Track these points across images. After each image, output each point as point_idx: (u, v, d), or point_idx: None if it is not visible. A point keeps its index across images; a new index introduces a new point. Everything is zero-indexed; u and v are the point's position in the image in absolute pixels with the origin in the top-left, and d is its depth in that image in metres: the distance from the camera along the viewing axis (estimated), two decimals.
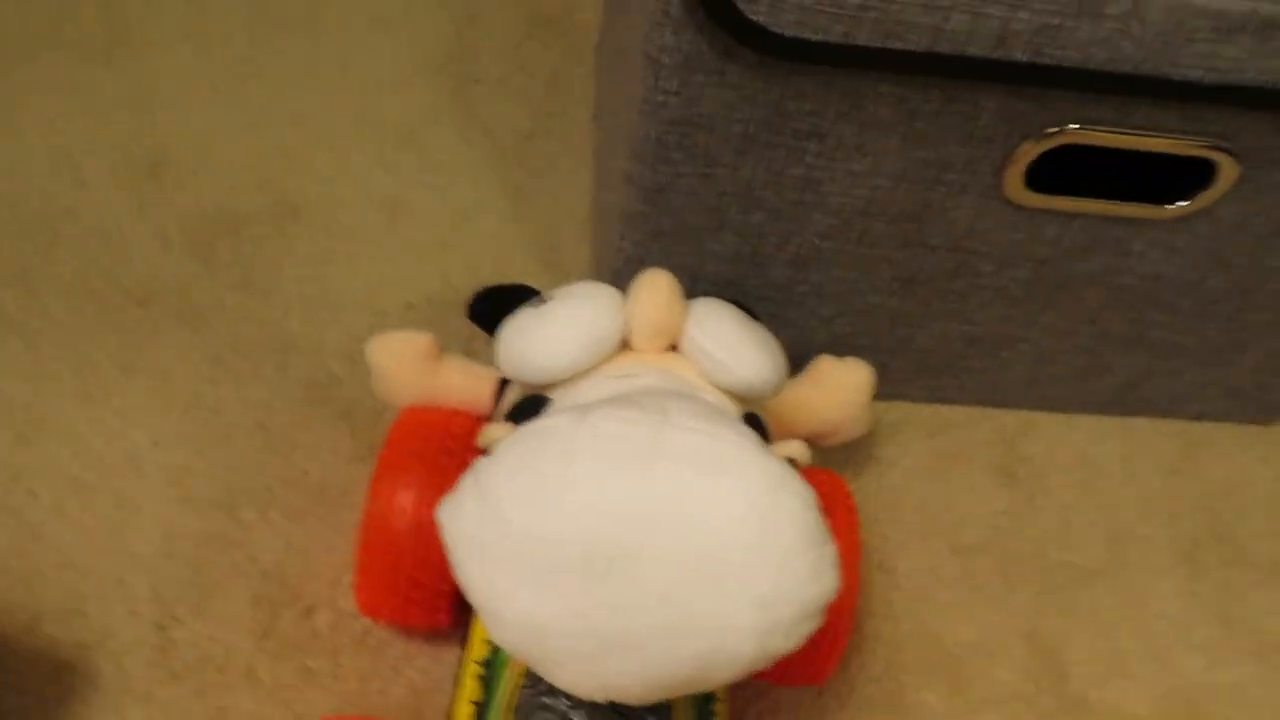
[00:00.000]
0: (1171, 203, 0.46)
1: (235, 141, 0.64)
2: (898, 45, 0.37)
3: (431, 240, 0.62)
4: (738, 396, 0.38)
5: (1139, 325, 0.54)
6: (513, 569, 0.28)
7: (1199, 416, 0.62)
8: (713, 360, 0.37)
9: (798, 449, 0.37)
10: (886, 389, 0.58)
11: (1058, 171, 0.45)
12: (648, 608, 0.28)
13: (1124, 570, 0.56)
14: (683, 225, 0.46)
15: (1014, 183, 0.44)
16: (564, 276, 0.61)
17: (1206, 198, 0.45)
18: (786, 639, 0.29)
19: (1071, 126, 0.42)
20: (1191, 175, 0.45)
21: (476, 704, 0.39)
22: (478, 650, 0.40)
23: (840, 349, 0.53)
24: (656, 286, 0.38)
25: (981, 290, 0.51)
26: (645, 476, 0.27)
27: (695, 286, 0.50)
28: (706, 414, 0.29)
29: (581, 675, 0.29)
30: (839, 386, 0.50)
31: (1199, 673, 0.53)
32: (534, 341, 0.37)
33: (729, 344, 0.37)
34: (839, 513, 0.45)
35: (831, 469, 0.56)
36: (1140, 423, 0.62)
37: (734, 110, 0.41)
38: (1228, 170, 0.44)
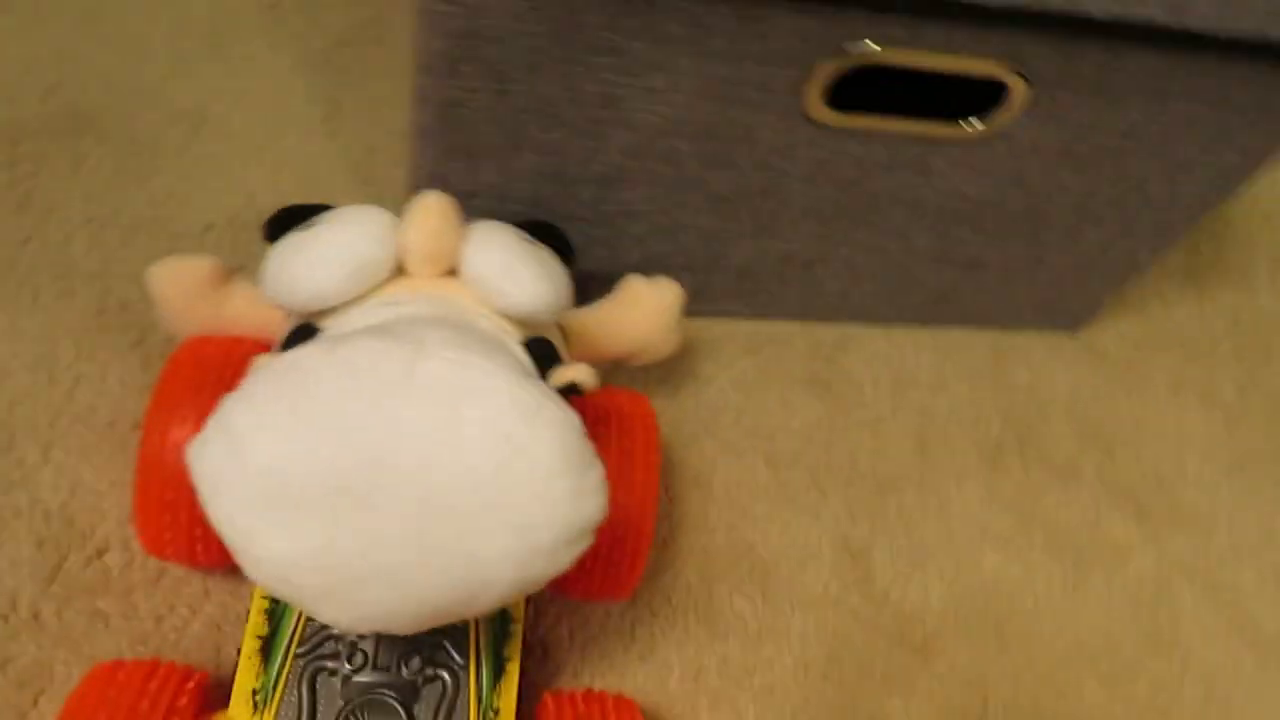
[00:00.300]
0: (966, 119, 0.47)
1: (14, 42, 0.59)
2: None
3: (235, 156, 0.58)
4: (519, 321, 0.37)
5: (945, 241, 0.55)
6: (256, 507, 0.27)
7: (1007, 326, 0.64)
8: (488, 286, 0.36)
9: (583, 373, 0.37)
10: (704, 306, 0.58)
11: (861, 91, 0.46)
12: (397, 541, 0.27)
13: (930, 475, 0.59)
14: (481, 143, 0.45)
15: (814, 101, 0.44)
16: (378, 196, 0.59)
17: (999, 118, 0.46)
18: (550, 563, 0.29)
19: (865, 45, 0.41)
20: (988, 98, 0.46)
21: (262, 638, 0.38)
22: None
23: (654, 268, 0.53)
24: (428, 211, 0.37)
25: (792, 208, 0.51)
26: (391, 408, 0.27)
27: (503, 206, 0.49)
28: (464, 343, 0.29)
29: (340, 610, 0.29)
30: (647, 307, 0.50)
31: (994, 567, 0.57)
32: (297, 267, 0.35)
33: (505, 269, 0.37)
34: (638, 431, 0.45)
35: (646, 388, 0.56)
36: (952, 333, 0.64)
37: (522, 23, 0.39)
38: (1019, 92, 0.45)
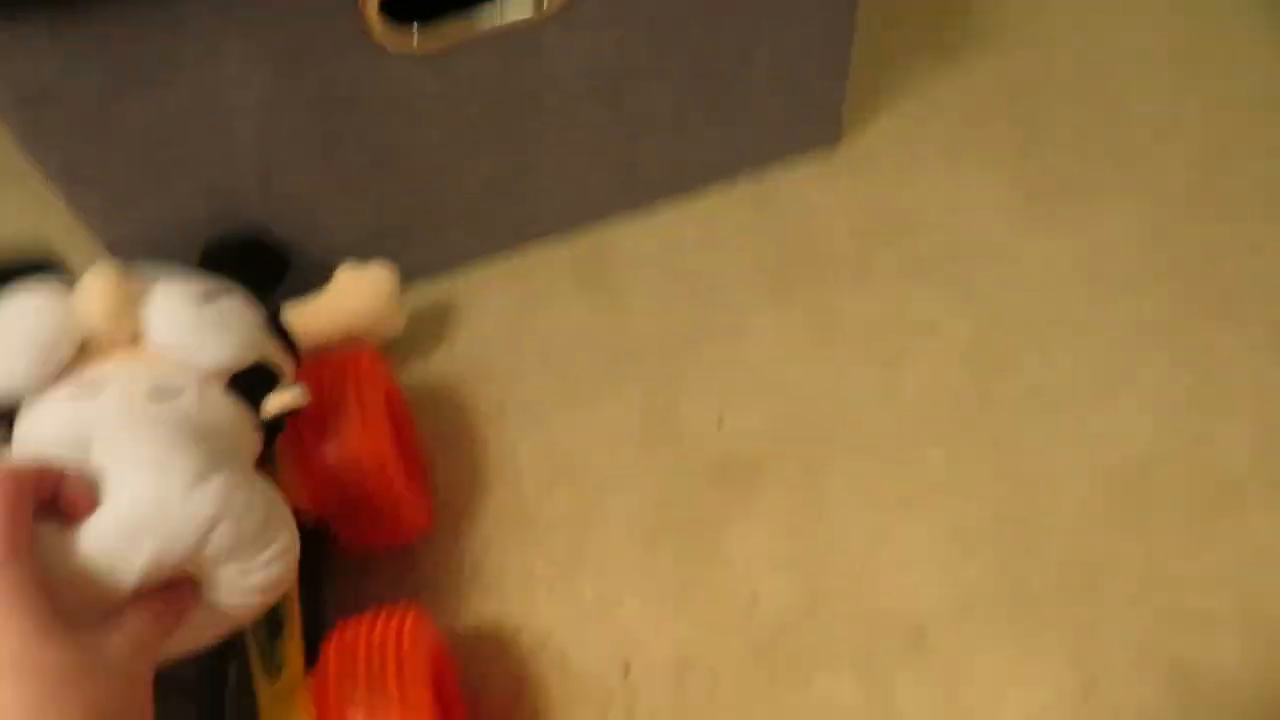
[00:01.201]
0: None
1: None
2: None
3: None
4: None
5: (624, 112, 0.57)
6: None
7: (760, 166, 0.66)
8: (175, 353, 0.40)
9: (291, 397, 0.41)
10: (455, 256, 0.61)
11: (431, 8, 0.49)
12: None
13: (719, 325, 0.60)
14: (119, 192, 0.49)
15: (380, 30, 0.47)
16: None
17: None
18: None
19: None
20: None
21: None
22: None
23: (377, 238, 0.56)
24: (99, 286, 0.39)
25: (455, 137, 0.54)
26: None
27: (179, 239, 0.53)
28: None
29: None
30: (362, 294, 0.53)
31: (802, 384, 0.57)
32: None
33: (186, 335, 0.40)
34: (363, 384, 0.48)
35: (416, 341, 0.59)
36: (709, 198, 0.65)
37: (70, 74, 0.43)
38: None
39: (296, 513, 0.47)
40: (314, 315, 0.52)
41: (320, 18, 0.46)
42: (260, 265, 0.53)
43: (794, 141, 0.65)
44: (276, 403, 0.41)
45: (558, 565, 0.51)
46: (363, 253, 0.57)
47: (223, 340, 0.41)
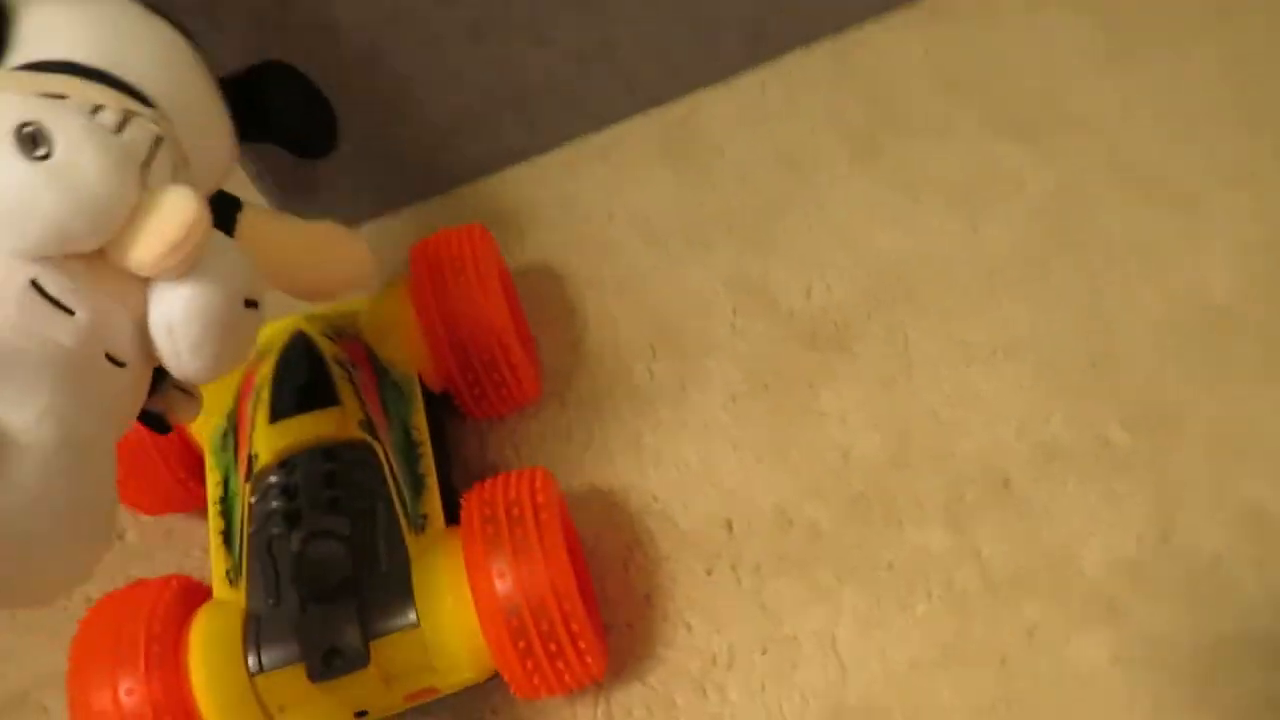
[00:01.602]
0: None
1: None
2: None
3: None
4: None
5: None
6: None
7: (839, 28, 0.65)
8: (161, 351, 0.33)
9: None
10: (547, 138, 0.63)
11: None
12: None
13: (806, 189, 0.61)
14: None
15: None
16: None
17: None
18: None
19: None
20: None
21: (221, 531, 0.46)
22: (212, 492, 0.48)
23: (471, 120, 0.59)
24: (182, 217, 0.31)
25: (543, 6, 0.55)
26: None
27: None
28: None
29: None
30: (340, 254, 0.47)
31: (890, 244, 0.59)
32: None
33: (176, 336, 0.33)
34: (473, 261, 0.51)
35: (504, 217, 0.61)
36: (791, 59, 0.65)
37: None
38: None
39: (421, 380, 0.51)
40: (276, 245, 0.44)
41: None
42: (309, 118, 0.46)
43: None
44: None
45: (661, 430, 0.54)
46: (457, 135, 0.59)
47: (199, 363, 0.33)
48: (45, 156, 0.29)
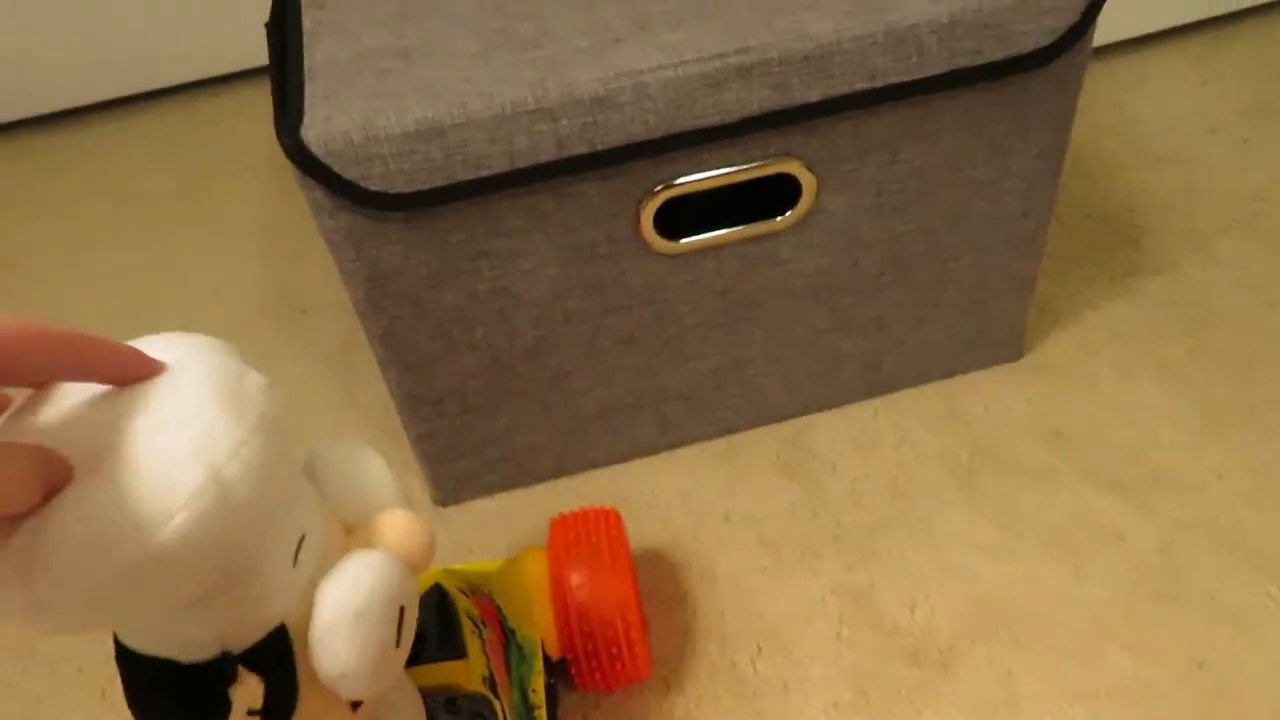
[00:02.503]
0: (782, 214, 0.58)
1: None
2: (487, 172, 0.50)
3: None
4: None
5: (835, 312, 0.65)
6: None
7: (949, 374, 0.72)
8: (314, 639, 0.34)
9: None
10: (672, 436, 0.68)
11: (694, 215, 0.58)
12: None
13: (912, 513, 0.65)
14: (423, 355, 0.58)
15: (652, 239, 0.56)
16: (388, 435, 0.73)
17: (804, 203, 0.58)
18: None
19: (663, 185, 0.54)
20: (794, 189, 0.58)
21: None
22: None
23: (611, 413, 0.64)
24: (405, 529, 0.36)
25: (692, 329, 0.62)
26: None
27: (466, 401, 0.61)
28: None
29: None
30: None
31: (993, 576, 0.61)
32: None
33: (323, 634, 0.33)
34: (605, 537, 0.55)
35: (632, 505, 0.65)
36: (903, 395, 0.72)
37: (410, 257, 0.53)
38: (805, 177, 0.56)
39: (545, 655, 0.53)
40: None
41: (607, 225, 0.55)
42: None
43: (980, 353, 0.71)
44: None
45: None
46: (598, 424, 0.65)
47: (340, 661, 0.33)
48: None
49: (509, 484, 0.68)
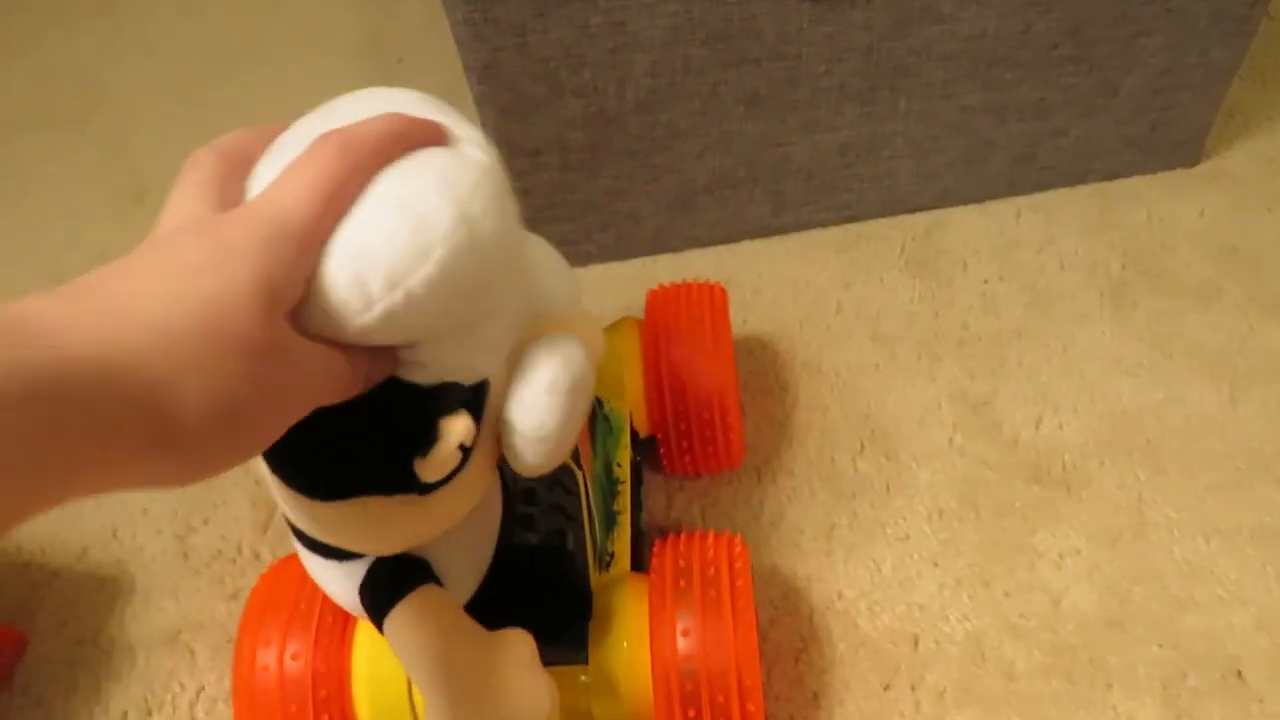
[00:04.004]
0: None
1: None
2: None
3: None
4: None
5: (993, 89, 0.56)
6: None
7: (1111, 175, 0.63)
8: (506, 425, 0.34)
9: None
10: (788, 219, 0.62)
11: None
12: None
13: (1048, 324, 0.58)
14: (524, 98, 0.52)
15: None
16: None
17: None
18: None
19: None
20: None
21: None
22: None
23: (723, 185, 0.58)
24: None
25: (825, 93, 0.55)
26: None
27: (567, 157, 0.56)
28: None
29: None
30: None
31: (1135, 395, 0.55)
32: None
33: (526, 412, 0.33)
34: (706, 317, 0.50)
35: (740, 291, 0.60)
36: (1053, 194, 0.64)
37: None
38: None
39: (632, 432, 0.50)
40: None
41: None
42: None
43: (1151, 155, 0.63)
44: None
45: (858, 526, 0.52)
46: (708, 196, 0.59)
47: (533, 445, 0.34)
48: None
49: (606, 255, 0.63)
